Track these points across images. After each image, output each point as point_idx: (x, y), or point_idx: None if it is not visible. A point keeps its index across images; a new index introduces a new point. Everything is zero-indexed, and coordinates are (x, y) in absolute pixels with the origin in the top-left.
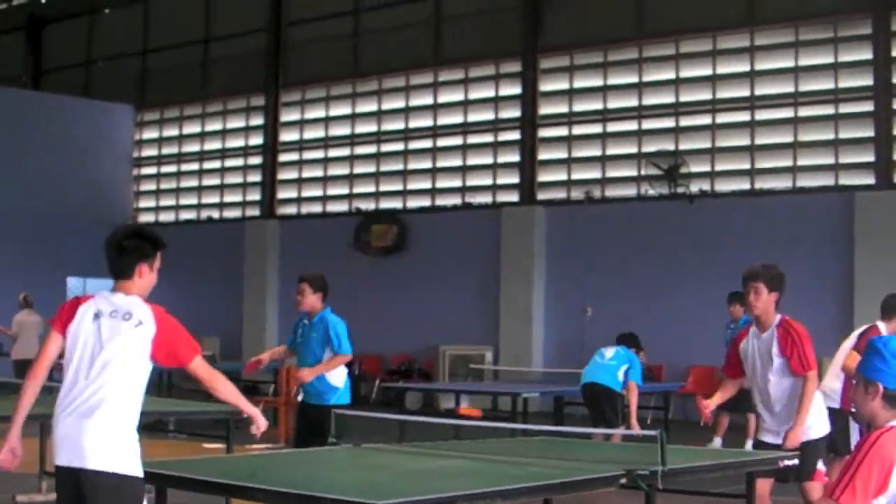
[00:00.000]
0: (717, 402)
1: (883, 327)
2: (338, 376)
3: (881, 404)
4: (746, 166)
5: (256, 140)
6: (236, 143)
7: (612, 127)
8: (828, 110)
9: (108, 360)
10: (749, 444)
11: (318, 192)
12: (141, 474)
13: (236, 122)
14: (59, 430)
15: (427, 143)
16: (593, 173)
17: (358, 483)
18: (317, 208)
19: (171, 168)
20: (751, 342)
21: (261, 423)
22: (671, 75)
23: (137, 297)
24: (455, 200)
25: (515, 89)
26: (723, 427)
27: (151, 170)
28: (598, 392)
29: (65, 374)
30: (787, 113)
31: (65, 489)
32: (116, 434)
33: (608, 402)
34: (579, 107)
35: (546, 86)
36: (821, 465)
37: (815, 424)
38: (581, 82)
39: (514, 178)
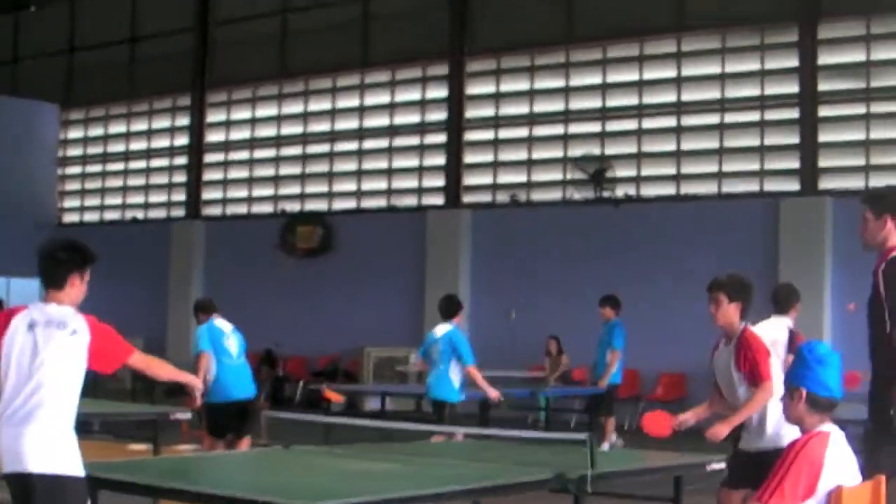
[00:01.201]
0: (694, 417)
1: (781, 322)
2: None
3: (805, 409)
4: (672, 171)
5: (182, 140)
6: (162, 143)
7: (539, 131)
8: (754, 117)
9: (45, 368)
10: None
11: (243, 194)
12: (83, 474)
13: (162, 123)
14: (2, 441)
15: (353, 146)
16: (519, 177)
17: (290, 485)
18: (242, 209)
19: (97, 168)
20: (719, 351)
21: (198, 387)
22: (598, 80)
23: (69, 306)
24: (381, 203)
25: (442, 92)
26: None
27: (76, 169)
28: (440, 405)
29: (3, 386)
30: (713, 119)
31: (15, 496)
32: (55, 437)
33: (438, 409)
34: (506, 110)
35: (473, 89)
36: None
37: (787, 435)
38: (508, 86)
39: (439, 181)
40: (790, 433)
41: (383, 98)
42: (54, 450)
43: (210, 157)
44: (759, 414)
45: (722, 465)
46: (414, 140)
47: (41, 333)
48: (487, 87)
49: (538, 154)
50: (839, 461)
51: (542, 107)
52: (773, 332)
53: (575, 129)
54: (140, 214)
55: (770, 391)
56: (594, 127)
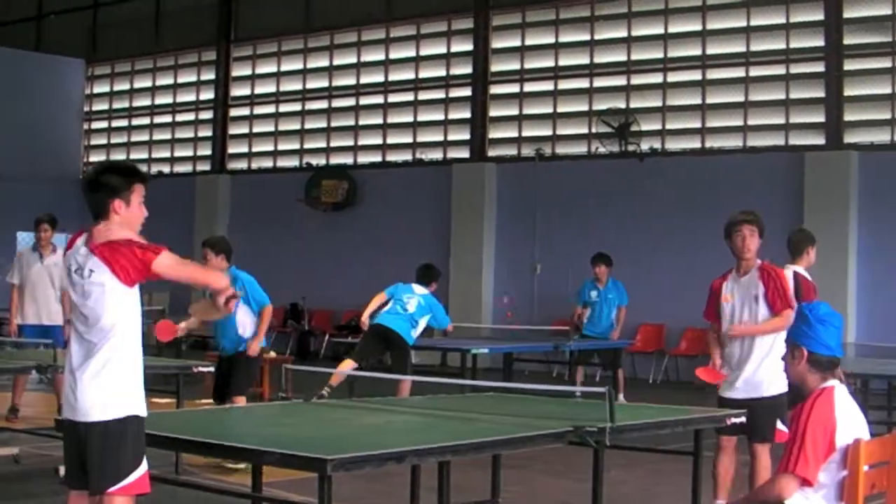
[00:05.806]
0: (719, 355)
1: (796, 268)
2: None
3: (807, 368)
4: (697, 125)
5: (208, 95)
6: (187, 97)
7: (564, 84)
8: (779, 70)
9: (88, 319)
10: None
11: (269, 147)
12: (134, 413)
13: (187, 77)
14: (64, 386)
15: (378, 99)
16: (544, 130)
17: (309, 437)
18: (268, 163)
19: (122, 122)
20: (729, 286)
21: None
22: (623, 33)
23: (106, 239)
24: (406, 156)
25: (467, 46)
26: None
27: (102, 124)
28: (389, 336)
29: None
30: (738, 73)
31: (69, 441)
32: (106, 383)
33: (397, 349)
34: (531, 64)
35: (498, 42)
36: (780, 425)
37: (775, 381)
38: (533, 39)
39: (465, 135)
40: (777, 382)
41: (409, 52)
42: (104, 396)
43: (235, 112)
44: (757, 362)
45: (742, 420)
46: (439, 94)
47: (77, 283)
48: (512, 41)
49: (563, 108)
50: (848, 414)
51: (566, 60)
52: None
53: (600, 82)
54: (165, 169)
55: (790, 319)
56: (619, 81)
